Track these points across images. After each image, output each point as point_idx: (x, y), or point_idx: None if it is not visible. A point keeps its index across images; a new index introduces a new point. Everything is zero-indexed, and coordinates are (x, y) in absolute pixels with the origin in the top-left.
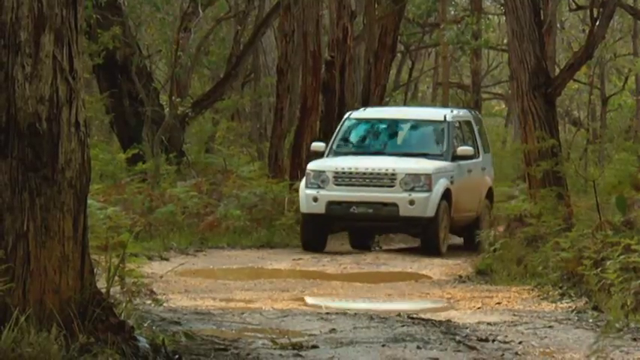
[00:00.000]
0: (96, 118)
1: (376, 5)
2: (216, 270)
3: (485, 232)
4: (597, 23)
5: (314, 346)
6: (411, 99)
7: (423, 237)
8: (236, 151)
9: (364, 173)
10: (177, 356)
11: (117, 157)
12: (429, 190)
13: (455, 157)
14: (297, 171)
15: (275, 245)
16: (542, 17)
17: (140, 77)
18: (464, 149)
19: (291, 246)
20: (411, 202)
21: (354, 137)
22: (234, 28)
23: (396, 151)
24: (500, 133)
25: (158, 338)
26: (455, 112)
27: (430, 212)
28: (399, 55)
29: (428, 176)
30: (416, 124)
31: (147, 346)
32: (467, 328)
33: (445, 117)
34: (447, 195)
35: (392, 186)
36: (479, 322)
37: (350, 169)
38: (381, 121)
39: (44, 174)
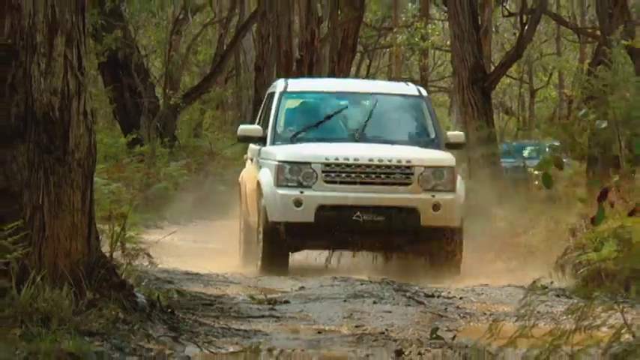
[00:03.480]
0: (101, 108)
1: (339, 12)
2: (203, 239)
3: None
4: (526, 28)
5: (286, 301)
6: None
7: (443, 255)
8: (220, 135)
9: (368, 165)
10: (170, 310)
11: (119, 141)
12: (453, 189)
13: (447, 146)
14: None
15: None
16: (479, 22)
17: (138, 73)
18: (455, 135)
19: None
20: (436, 207)
21: (298, 118)
22: (219, 32)
23: (375, 138)
24: (444, 121)
25: (154, 295)
26: (412, 86)
27: (457, 220)
28: (358, 54)
29: (452, 170)
30: (383, 101)
31: (144, 301)
32: (416, 286)
33: (420, 91)
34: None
35: (407, 183)
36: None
37: (347, 159)
38: (334, 95)
39: (57, 155)
